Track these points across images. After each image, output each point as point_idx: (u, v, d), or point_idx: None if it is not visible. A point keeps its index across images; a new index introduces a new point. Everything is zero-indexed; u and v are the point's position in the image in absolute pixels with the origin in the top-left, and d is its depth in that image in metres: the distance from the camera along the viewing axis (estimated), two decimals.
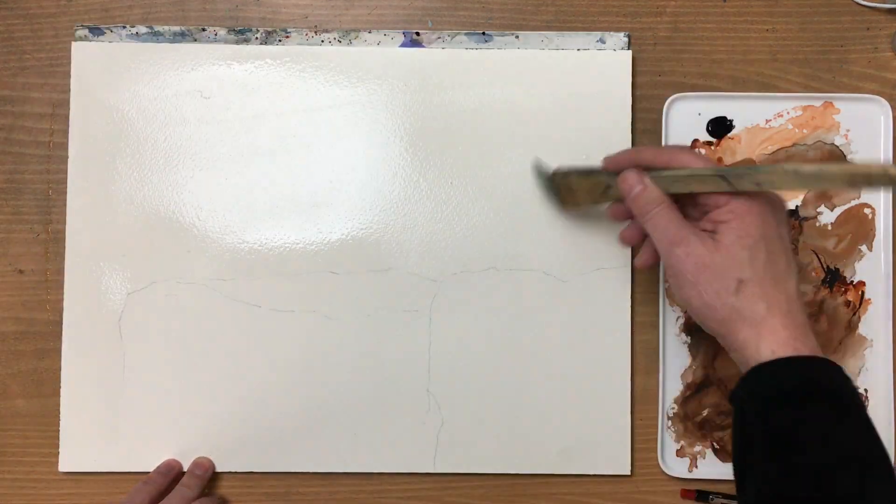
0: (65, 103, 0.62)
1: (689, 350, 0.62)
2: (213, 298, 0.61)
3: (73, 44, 0.62)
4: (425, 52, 0.62)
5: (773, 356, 0.47)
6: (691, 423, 0.62)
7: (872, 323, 0.62)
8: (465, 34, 0.63)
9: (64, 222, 0.62)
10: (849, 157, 0.62)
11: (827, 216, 0.62)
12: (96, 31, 0.63)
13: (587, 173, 0.57)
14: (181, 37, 0.63)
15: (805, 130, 0.62)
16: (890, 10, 0.63)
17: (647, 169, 0.53)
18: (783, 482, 0.45)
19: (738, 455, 0.48)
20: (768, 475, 0.45)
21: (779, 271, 0.49)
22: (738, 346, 0.49)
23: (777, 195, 0.51)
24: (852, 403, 0.47)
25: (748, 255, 0.48)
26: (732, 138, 0.62)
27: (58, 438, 0.61)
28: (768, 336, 0.48)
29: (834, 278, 0.62)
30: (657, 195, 0.51)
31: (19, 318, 0.62)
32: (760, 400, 0.47)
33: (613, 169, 0.55)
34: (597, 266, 0.61)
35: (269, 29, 0.63)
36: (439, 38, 0.63)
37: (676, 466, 0.61)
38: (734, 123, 0.62)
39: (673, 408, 0.62)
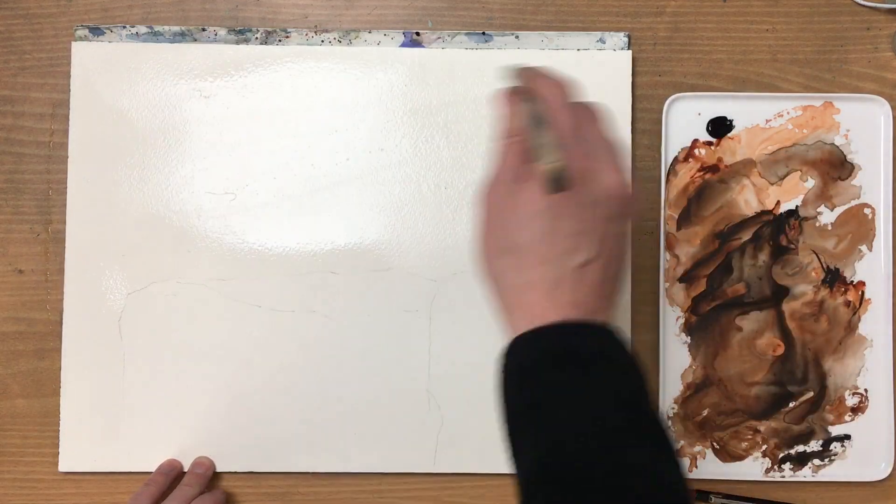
0: (65, 103, 0.62)
1: (689, 350, 0.62)
2: (213, 298, 0.61)
3: (73, 44, 0.62)
4: (425, 52, 0.62)
5: (531, 326, 0.43)
6: (691, 423, 0.62)
7: (872, 323, 0.62)
8: (465, 34, 0.63)
9: (64, 222, 0.62)
10: (849, 157, 0.62)
11: (827, 216, 0.62)
12: (96, 31, 0.63)
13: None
14: (181, 37, 0.63)
15: (805, 130, 0.62)
16: (890, 10, 0.63)
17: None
18: (544, 453, 0.42)
19: (504, 430, 0.44)
20: (531, 446, 0.42)
21: (558, 251, 0.44)
22: (499, 313, 0.46)
23: (609, 185, 0.44)
24: (616, 365, 0.43)
25: (517, 224, 0.44)
26: (732, 138, 0.62)
27: (58, 438, 0.61)
28: (519, 310, 0.44)
29: (834, 278, 0.62)
30: (514, 128, 0.47)
31: (19, 318, 0.62)
32: (515, 371, 0.44)
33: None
34: None
35: (269, 29, 0.63)
36: (439, 38, 0.63)
37: None
38: (734, 123, 0.62)
39: (673, 408, 0.62)
